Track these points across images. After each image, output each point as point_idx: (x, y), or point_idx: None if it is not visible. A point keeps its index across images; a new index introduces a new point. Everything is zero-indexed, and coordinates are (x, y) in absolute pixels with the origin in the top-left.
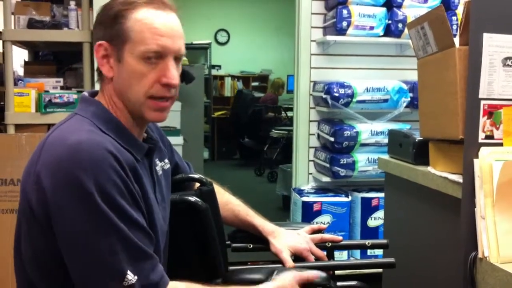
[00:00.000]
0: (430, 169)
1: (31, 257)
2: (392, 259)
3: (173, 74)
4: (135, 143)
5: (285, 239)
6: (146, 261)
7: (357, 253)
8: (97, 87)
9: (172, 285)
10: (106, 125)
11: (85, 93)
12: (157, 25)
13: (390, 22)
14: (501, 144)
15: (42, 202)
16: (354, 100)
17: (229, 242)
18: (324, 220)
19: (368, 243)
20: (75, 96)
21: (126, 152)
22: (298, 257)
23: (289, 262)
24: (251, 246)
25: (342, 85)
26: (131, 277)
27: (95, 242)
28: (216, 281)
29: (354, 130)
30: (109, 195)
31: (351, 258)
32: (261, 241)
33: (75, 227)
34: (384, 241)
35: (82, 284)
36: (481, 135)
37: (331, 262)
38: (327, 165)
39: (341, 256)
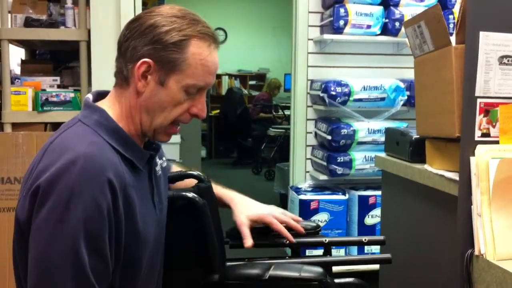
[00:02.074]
0: (426, 167)
1: (23, 265)
2: (388, 255)
3: (204, 107)
4: (138, 152)
5: (247, 207)
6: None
7: (354, 250)
8: (94, 86)
9: None
10: (109, 134)
11: (89, 97)
12: (209, 63)
13: (387, 20)
14: (497, 142)
15: (30, 207)
16: (351, 98)
17: (227, 239)
18: (322, 218)
19: (365, 240)
20: (72, 95)
21: (122, 171)
22: (293, 251)
23: (248, 238)
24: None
25: (339, 84)
26: None
27: (51, 255)
28: (213, 276)
29: (351, 129)
30: (87, 215)
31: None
32: (258, 234)
33: (40, 236)
34: (381, 237)
35: None
36: (478, 133)
37: (328, 258)
38: (324, 163)
39: (338, 254)
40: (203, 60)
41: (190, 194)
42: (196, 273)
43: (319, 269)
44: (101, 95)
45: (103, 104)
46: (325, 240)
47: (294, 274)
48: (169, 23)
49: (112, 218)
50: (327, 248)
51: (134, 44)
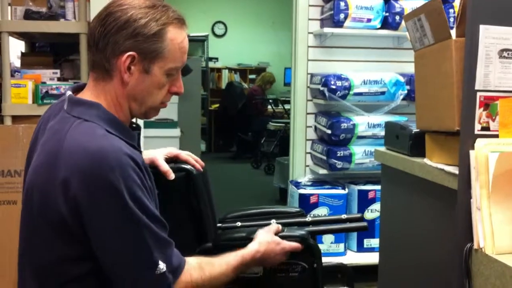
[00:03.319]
0: (426, 160)
1: (49, 265)
2: (364, 223)
3: (182, 84)
4: (133, 137)
5: (154, 150)
6: (168, 249)
7: (354, 244)
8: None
9: (187, 264)
10: (111, 126)
11: (71, 93)
12: (185, 44)
13: (387, 14)
14: (497, 136)
15: (75, 211)
16: (351, 92)
17: (220, 224)
18: (321, 212)
19: (344, 217)
20: None
21: (135, 151)
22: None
23: (169, 173)
24: (239, 224)
25: (339, 78)
26: (162, 265)
27: (130, 238)
28: (206, 245)
29: (351, 123)
30: (135, 195)
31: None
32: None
33: (112, 226)
34: (358, 215)
35: (119, 277)
36: (477, 127)
37: (311, 228)
38: (324, 157)
39: (338, 248)
40: (181, 43)
41: (188, 166)
42: (190, 242)
43: (302, 231)
44: (77, 88)
45: (86, 96)
46: (308, 219)
47: (279, 233)
48: (144, 15)
49: (147, 188)
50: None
51: (114, 39)
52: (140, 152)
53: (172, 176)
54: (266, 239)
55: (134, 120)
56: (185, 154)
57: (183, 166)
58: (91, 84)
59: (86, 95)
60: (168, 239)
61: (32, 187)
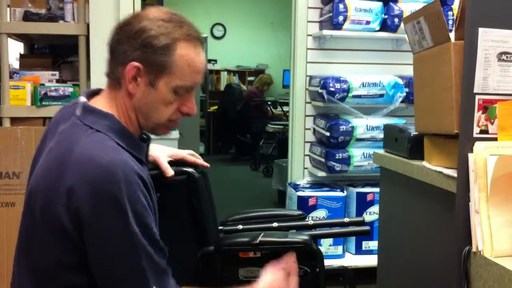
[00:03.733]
0: (425, 163)
1: (48, 269)
2: (367, 227)
3: (194, 105)
4: (141, 149)
5: (162, 147)
6: (165, 278)
7: (352, 247)
8: (93, 80)
9: None
10: (121, 137)
11: (85, 99)
12: (196, 64)
13: (386, 16)
14: (495, 139)
15: (77, 220)
16: (350, 95)
17: (221, 227)
18: (320, 214)
19: (346, 220)
20: (70, 89)
21: (142, 166)
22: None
23: (168, 170)
24: (241, 227)
25: (338, 80)
26: None
27: (126, 258)
28: (208, 248)
29: (350, 125)
30: (139, 215)
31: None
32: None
33: (110, 243)
34: (361, 218)
35: None
36: (476, 130)
37: (312, 232)
38: (323, 159)
39: (336, 251)
40: (190, 61)
41: (189, 169)
42: (192, 247)
43: (305, 236)
44: (91, 93)
45: (99, 104)
46: (310, 223)
47: (282, 239)
48: (156, 27)
49: (151, 206)
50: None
51: (124, 48)
52: (147, 165)
53: (171, 172)
54: (271, 280)
55: None
56: (190, 157)
57: (185, 169)
58: (106, 91)
59: (99, 102)
60: (166, 267)
61: (36, 190)
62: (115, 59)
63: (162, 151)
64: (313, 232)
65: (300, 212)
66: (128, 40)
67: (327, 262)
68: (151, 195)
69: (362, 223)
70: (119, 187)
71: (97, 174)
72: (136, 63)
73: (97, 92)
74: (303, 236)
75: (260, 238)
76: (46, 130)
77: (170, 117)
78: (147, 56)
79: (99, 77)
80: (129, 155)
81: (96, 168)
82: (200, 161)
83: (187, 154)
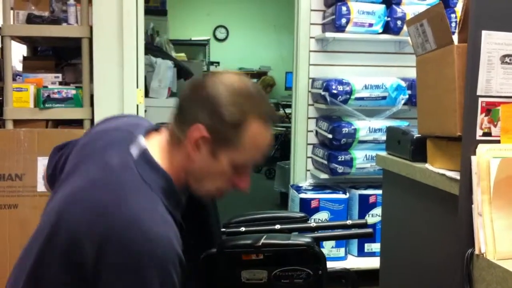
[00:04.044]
0: (428, 166)
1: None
2: (369, 230)
3: (249, 182)
4: (182, 207)
5: None
6: None
7: (355, 249)
8: (96, 82)
9: None
10: (169, 200)
11: (144, 145)
12: (262, 144)
13: (389, 19)
14: (498, 141)
15: (97, 270)
16: (353, 97)
17: (224, 229)
18: (322, 217)
19: (349, 222)
20: (73, 92)
21: (180, 241)
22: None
23: None
24: (243, 229)
25: (340, 82)
26: None
27: None
28: (211, 251)
29: (352, 127)
30: None
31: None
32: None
33: None
34: (363, 220)
35: None
36: (479, 132)
37: (315, 234)
38: (325, 162)
39: (338, 253)
40: (258, 141)
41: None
42: (196, 248)
43: (307, 238)
44: (147, 130)
45: (155, 153)
46: (313, 225)
47: (285, 241)
48: (232, 100)
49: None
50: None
51: (193, 110)
52: (183, 226)
53: None
54: None
55: None
56: None
57: None
58: (164, 142)
59: (156, 151)
60: None
61: (62, 215)
62: (182, 117)
63: None
64: (316, 234)
65: (302, 214)
66: (200, 103)
67: (330, 264)
68: (183, 268)
69: (365, 225)
70: (153, 264)
71: (136, 241)
72: (202, 129)
73: (156, 129)
74: (305, 239)
75: (262, 241)
76: (87, 141)
77: (221, 188)
78: (216, 126)
79: (102, 80)
80: (175, 227)
81: (138, 235)
82: None
83: None
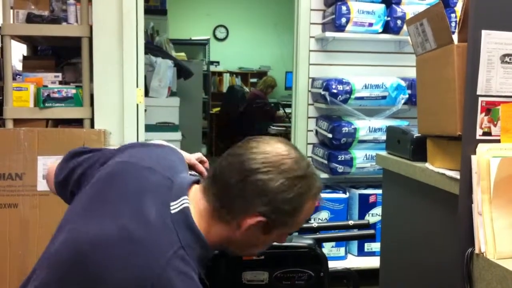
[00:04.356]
0: (428, 165)
1: None
2: (372, 231)
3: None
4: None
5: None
6: None
7: (355, 248)
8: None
9: None
10: (201, 265)
11: (187, 202)
12: (310, 213)
13: (389, 19)
14: (498, 141)
15: None
16: (353, 96)
17: None
18: (322, 216)
19: (351, 223)
20: (73, 91)
21: None
22: None
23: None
24: None
25: (340, 82)
26: None
27: None
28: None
29: (352, 127)
30: None
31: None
32: None
33: None
34: (365, 221)
35: None
36: (479, 132)
37: (316, 235)
38: (325, 161)
39: (338, 253)
40: (307, 215)
41: (195, 174)
42: None
43: (309, 240)
44: (188, 184)
45: (196, 216)
46: (315, 225)
47: (286, 243)
48: (291, 188)
49: None
50: (316, 233)
51: (250, 200)
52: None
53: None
54: None
55: None
56: (200, 165)
57: (193, 172)
58: (205, 212)
59: (196, 219)
60: None
61: (88, 256)
62: (230, 199)
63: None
64: (318, 235)
65: None
66: (259, 194)
67: (330, 264)
68: None
69: (367, 226)
70: None
71: None
72: (261, 219)
73: (196, 182)
74: (307, 241)
75: None
76: (116, 170)
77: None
78: (274, 214)
79: (102, 79)
80: None
81: None
82: (206, 174)
83: (196, 159)
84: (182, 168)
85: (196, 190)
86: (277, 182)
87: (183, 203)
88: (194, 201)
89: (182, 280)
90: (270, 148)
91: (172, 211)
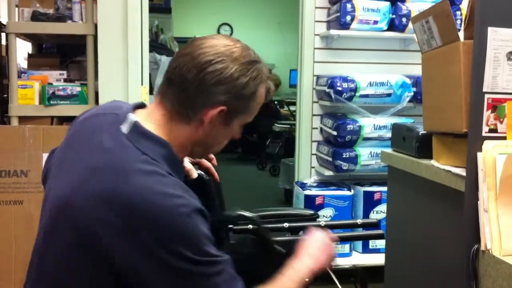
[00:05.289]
0: (433, 162)
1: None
2: (380, 231)
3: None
4: (183, 175)
5: None
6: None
7: (359, 245)
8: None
9: None
10: (172, 167)
11: (134, 118)
12: (263, 99)
13: (394, 16)
14: (504, 138)
15: (130, 255)
16: (357, 94)
17: (231, 226)
18: (327, 213)
19: (359, 222)
20: (78, 89)
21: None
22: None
23: (192, 171)
24: (251, 227)
25: (345, 79)
26: None
27: None
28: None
29: (357, 124)
30: (205, 254)
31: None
32: None
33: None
34: (374, 220)
35: None
36: (485, 129)
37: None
38: (330, 159)
39: (343, 250)
40: (262, 99)
41: (198, 171)
42: None
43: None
44: (133, 108)
45: (149, 127)
46: (322, 224)
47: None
48: (245, 73)
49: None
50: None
51: (210, 91)
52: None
53: (194, 174)
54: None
55: None
56: (206, 161)
57: (198, 171)
58: (161, 119)
59: (152, 128)
60: (238, 276)
61: (67, 212)
62: (190, 96)
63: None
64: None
65: (312, 212)
66: (216, 84)
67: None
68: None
69: (376, 225)
70: (183, 238)
71: (163, 219)
72: (222, 107)
73: (141, 106)
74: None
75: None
76: (72, 132)
77: (223, 145)
78: (234, 101)
79: (107, 77)
80: (189, 189)
81: (163, 212)
82: (213, 170)
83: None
84: (132, 105)
85: (146, 109)
86: (232, 69)
87: (130, 120)
88: (146, 115)
89: (150, 178)
90: (216, 42)
91: (125, 132)
